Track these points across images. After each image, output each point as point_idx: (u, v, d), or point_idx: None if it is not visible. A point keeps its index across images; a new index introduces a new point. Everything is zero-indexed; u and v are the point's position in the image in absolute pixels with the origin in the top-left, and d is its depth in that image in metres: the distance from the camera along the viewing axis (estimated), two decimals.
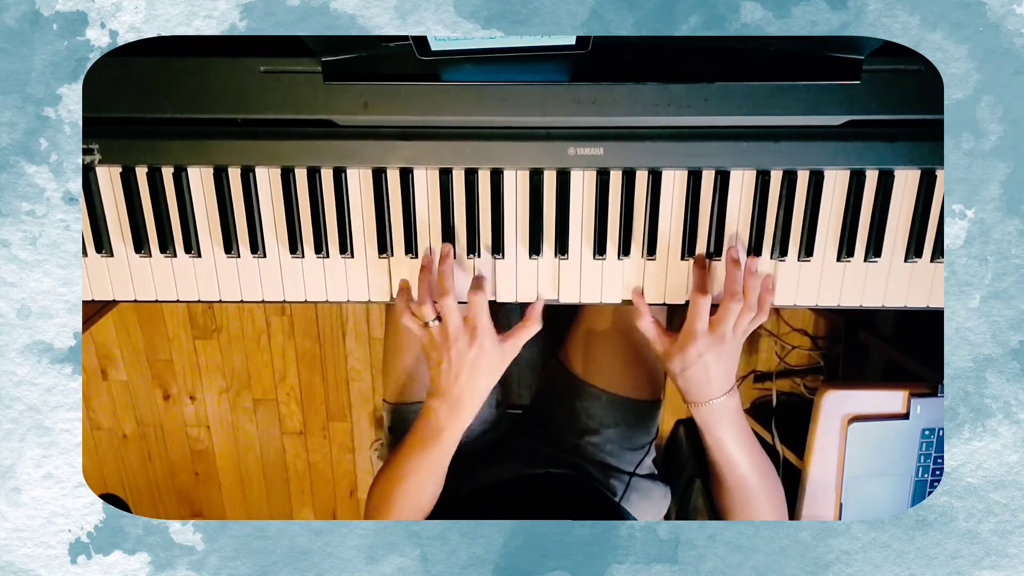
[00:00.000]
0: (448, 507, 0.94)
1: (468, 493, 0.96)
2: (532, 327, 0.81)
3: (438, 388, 0.79)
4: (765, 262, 0.80)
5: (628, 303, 0.82)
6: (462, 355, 0.77)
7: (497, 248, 0.80)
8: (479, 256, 0.80)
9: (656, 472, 1.07)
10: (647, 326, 0.81)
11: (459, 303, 0.78)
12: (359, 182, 0.78)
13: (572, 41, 0.70)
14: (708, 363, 0.77)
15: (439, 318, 0.77)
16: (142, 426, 1.95)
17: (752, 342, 1.78)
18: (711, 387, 0.78)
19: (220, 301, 0.83)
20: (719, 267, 0.80)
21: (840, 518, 1.05)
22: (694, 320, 0.76)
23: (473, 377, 0.78)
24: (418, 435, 0.82)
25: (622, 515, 0.97)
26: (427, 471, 0.82)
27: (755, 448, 0.82)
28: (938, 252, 0.78)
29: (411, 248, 0.80)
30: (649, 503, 1.02)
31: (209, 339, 1.82)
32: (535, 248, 0.79)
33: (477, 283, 0.79)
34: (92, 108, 0.73)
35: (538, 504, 0.91)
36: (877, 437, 1.02)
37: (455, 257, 0.80)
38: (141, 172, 0.78)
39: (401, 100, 0.73)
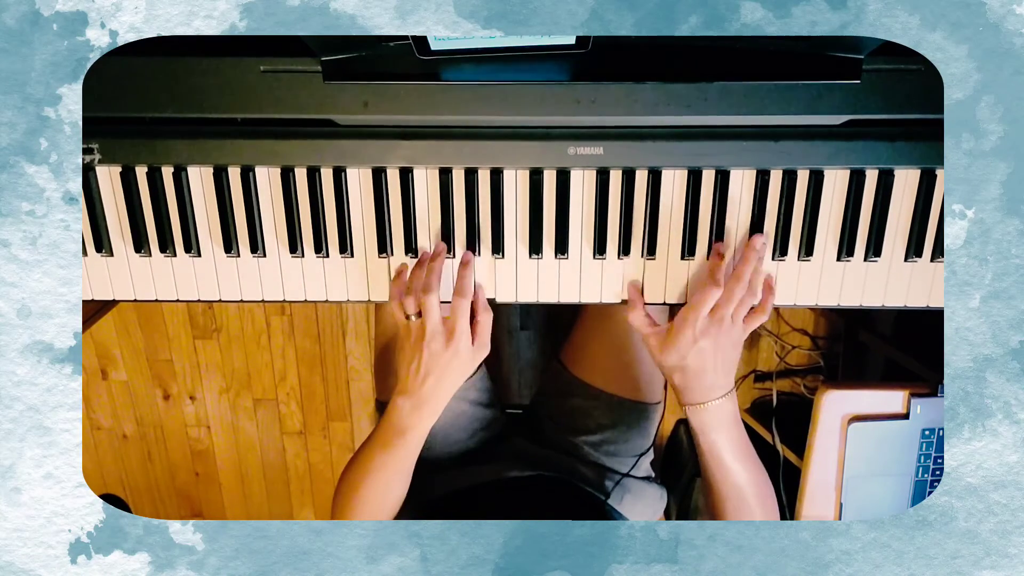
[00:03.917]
0: (427, 508, 0.94)
1: (448, 494, 0.96)
2: (487, 316, 0.79)
3: (405, 386, 0.78)
4: (765, 262, 0.80)
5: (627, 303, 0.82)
6: (435, 357, 0.76)
7: (497, 248, 0.80)
8: (479, 256, 0.80)
9: (653, 475, 1.06)
10: (639, 319, 0.79)
11: (445, 302, 0.77)
12: (359, 182, 0.78)
13: (572, 41, 0.70)
14: (704, 351, 0.74)
15: (420, 314, 0.76)
16: (142, 426, 1.95)
17: (752, 342, 1.78)
18: (707, 381, 0.75)
19: (220, 301, 0.83)
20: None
21: (840, 518, 1.05)
22: (696, 305, 0.74)
23: (442, 379, 0.77)
24: (382, 433, 0.81)
25: (610, 519, 0.97)
26: (391, 470, 0.81)
27: (751, 456, 0.80)
28: (938, 252, 0.78)
29: (411, 248, 0.80)
30: (643, 505, 1.01)
31: (209, 339, 1.82)
32: (535, 248, 0.79)
33: (461, 288, 0.77)
34: (92, 108, 0.73)
35: (520, 507, 0.90)
36: (877, 437, 1.02)
37: (461, 258, 0.80)
38: (141, 172, 0.78)
39: (401, 100, 0.73)
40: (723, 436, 0.78)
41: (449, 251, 0.80)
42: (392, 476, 0.82)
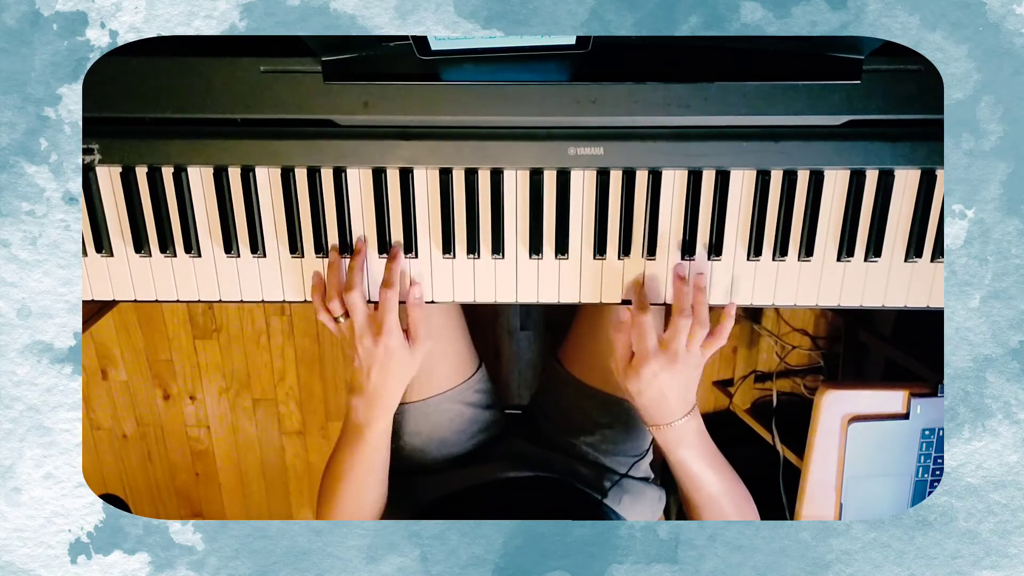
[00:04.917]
0: (424, 510, 0.94)
1: (445, 496, 0.96)
2: (419, 312, 0.79)
3: (355, 384, 0.79)
4: (766, 263, 0.80)
5: (627, 303, 0.82)
6: (370, 353, 0.77)
7: (497, 248, 0.80)
8: (479, 256, 0.80)
9: (653, 476, 1.06)
10: (621, 341, 0.79)
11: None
12: (359, 182, 0.78)
13: (572, 41, 0.70)
14: (663, 383, 0.76)
15: (347, 314, 0.77)
16: (142, 426, 1.95)
17: (752, 342, 1.78)
18: (668, 409, 0.77)
19: (220, 301, 0.83)
20: (720, 267, 0.80)
21: (840, 518, 1.05)
22: (643, 340, 0.76)
23: (384, 374, 0.77)
24: (345, 436, 0.82)
25: (608, 520, 0.96)
26: (360, 470, 0.81)
27: (722, 466, 0.81)
28: (938, 252, 0.78)
29: (411, 248, 0.80)
30: (642, 506, 1.01)
31: (209, 339, 1.82)
32: (535, 248, 0.79)
33: (387, 279, 0.77)
34: (92, 108, 0.73)
35: (518, 508, 0.90)
36: (877, 437, 1.02)
37: (390, 252, 0.79)
38: (141, 172, 0.78)
39: (401, 100, 0.73)
40: (691, 452, 0.79)
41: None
42: (362, 477, 0.82)
